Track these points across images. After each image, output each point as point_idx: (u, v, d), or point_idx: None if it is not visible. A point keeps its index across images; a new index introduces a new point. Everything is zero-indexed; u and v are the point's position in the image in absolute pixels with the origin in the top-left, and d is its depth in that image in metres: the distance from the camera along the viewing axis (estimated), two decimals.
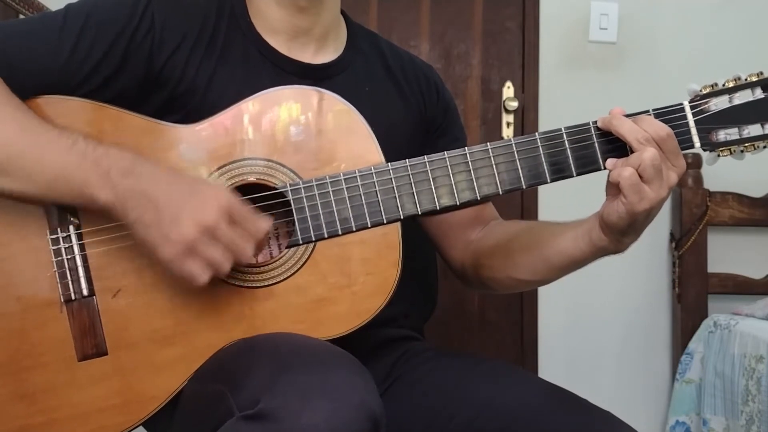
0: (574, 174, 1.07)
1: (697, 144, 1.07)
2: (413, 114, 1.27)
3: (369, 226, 1.05)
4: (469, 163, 1.07)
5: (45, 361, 1.02)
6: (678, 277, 2.44)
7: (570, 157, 1.07)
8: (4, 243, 1.02)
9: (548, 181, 1.07)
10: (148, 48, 1.09)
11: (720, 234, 2.48)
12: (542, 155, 1.07)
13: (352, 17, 1.29)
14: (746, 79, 1.07)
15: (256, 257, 1.01)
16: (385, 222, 1.05)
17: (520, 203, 2.41)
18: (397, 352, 1.21)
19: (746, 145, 1.06)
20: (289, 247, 1.05)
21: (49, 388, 1.01)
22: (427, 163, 1.06)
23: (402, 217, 1.06)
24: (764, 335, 2.05)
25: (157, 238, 0.95)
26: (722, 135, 1.07)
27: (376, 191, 1.05)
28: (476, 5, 2.43)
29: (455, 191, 1.07)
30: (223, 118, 1.07)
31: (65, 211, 1.03)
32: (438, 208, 1.07)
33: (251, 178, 1.05)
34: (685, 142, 1.06)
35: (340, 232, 1.05)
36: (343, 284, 1.05)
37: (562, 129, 1.07)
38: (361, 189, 1.05)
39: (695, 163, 2.40)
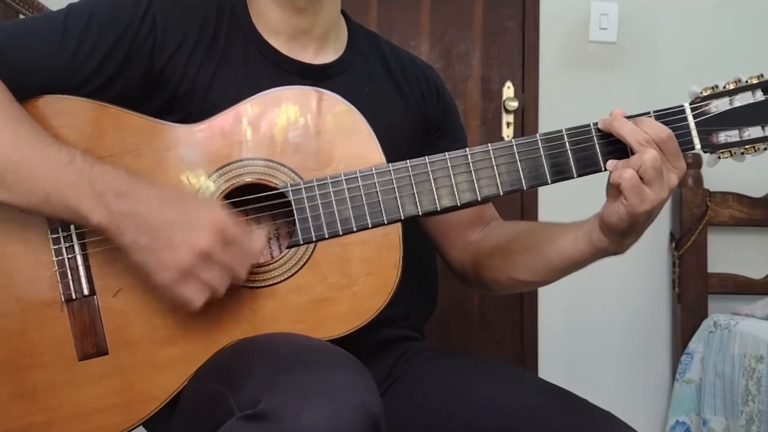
0: (575, 175, 1.07)
1: (698, 146, 1.07)
2: (413, 114, 1.27)
3: (370, 226, 1.05)
4: (470, 164, 1.07)
5: (45, 361, 1.02)
6: (678, 277, 2.44)
7: (571, 159, 1.07)
8: (4, 242, 1.02)
9: (549, 182, 1.07)
10: (149, 49, 1.09)
11: (720, 234, 2.48)
12: (543, 156, 1.07)
13: (352, 17, 1.29)
14: (747, 82, 1.07)
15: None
16: (385, 222, 1.05)
17: (520, 204, 2.41)
18: (397, 352, 1.22)
19: (747, 147, 1.07)
20: (289, 247, 1.05)
21: (49, 387, 1.02)
22: (428, 164, 1.06)
23: (403, 218, 1.06)
24: (764, 335, 2.05)
25: (152, 263, 0.96)
26: (723, 137, 1.07)
27: (377, 191, 1.05)
28: (476, 5, 2.43)
29: (456, 192, 1.07)
30: (224, 118, 1.07)
31: None
32: (439, 208, 1.07)
33: (251, 179, 1.05)
34: (686, 143, 1.06)
35: (340, 233, 1.05)
36: (344, 284, 1.05)
37: (563, 130, 1.07)
38: (362, 189, 1.05)
39: (695, 163, 2.40)
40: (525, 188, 1.08)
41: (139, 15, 1.08)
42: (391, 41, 1.34)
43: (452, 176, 1.07)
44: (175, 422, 1.05)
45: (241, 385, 0.90)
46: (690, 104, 1.07)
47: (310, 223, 1.05)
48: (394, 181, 1.06)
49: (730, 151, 1.07)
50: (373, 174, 1.05)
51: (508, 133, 2.42)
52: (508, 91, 2.43)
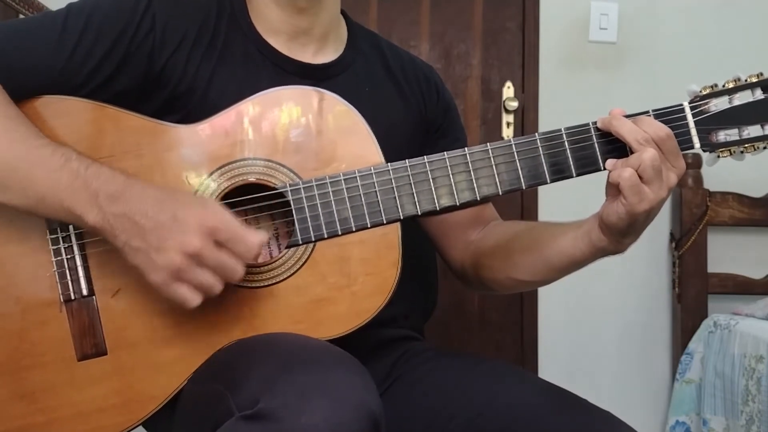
0: (574, 174, 1.07)
1: (697, 145, 1.07)
2: (413, 114, 1.27)
3: (368, 226, 1.05)
4: (469, 163, 1.07)
5: (44, 361, 1.02)
6: (678, 277, 2.44)
7: (570, 158, 1.07)
8: (3, 243, 1.03)
9: (548, 181, 1.07)
10: (149, 48, 1.09)
11: (720, 234, 2.48)
12: (542, 156, 1.07)
13: (352, 17, 1.29)
14: (746, 80, 1.07)
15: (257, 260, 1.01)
16: (384, 222, 1.05)
17: (520, 203, 2.41)
18: (397, 352, 1.22)
19: (746, 146, 1.06)
20: (288, 247, 1.05)
21: (48, 387, 1.02)
22: (426, 164, 1.06)
23: (402, 218, 1.06)
24: (764, 335, 2.05)
25: (145, 264, 0.96)
26: (722, 136, 1.07)
27: (375, 191, 1.05)
28: (476, 5, 2.43)
29: (455, 191, 1.07)
30: (223, 118, 1.07)
31: None
32: (438, 208, 1.07)
33: (251, 179, 1.05)
34: (685, 142, 1.06)
35: (339, 233, 1.05)
36: (343, 284, 1.05)
37: (562, 129, 1.07)
38: (360, 189, 1.05)
39: (695, 163, 2.40)
40: (524, 187, 1.07)
41: (139, 14, 1.08)
42: (391, 41, 1.34)
43: (451, 176, 1.07)
44: (175, 422, 1.05)
45: (241, 385, 0.90)
46: (689, 103, 1.07)
47: (309, 223, 1.05)
48: (393, 181, 1.06)
49: (729, 150, 1.07)
50: (372, 174, 1.05)
51: (508, 133, 2.42)
52: (508, 91, 2.43)
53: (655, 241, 2.48)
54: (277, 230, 1.10)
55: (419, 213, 1.06)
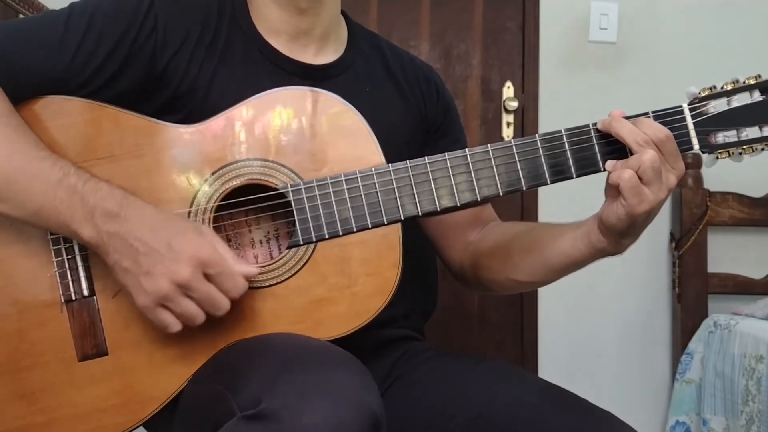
0: (574, 175, 1.07)
1: (696, 146, 1.07)
2: (413, 114, 1.27)
3: (369, 226, 1.05)
4: (470, 164, 1.07)
5: (45, 361, 1.02)
6: (678, 277, 2.44)
7: (570, 159, 1.07)
8: (4, 243, 1.03)
9: (548, 182, 1.07)
10: (151, 48, 1.09)
11: (720, 234, 2.48)
12: (542, 157, 1.07)
13: (352, 17, 1.29)
14: (744, 82, 1.07)
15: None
16: (385, 223, 1.05)
17: (520, 204, 2.41)
18: (397, 352, 1.22)
19: (744, 147, 1.07)
20: (289, 247, 1.05)
21: (48, 387, 1.02)
22: (427, 164, 1.06)
23: (402, 218, 1.06)
24: (764, 335, 2.05)
25: (132, 285, 0.97)
26: (721, 137, 1.07)
27: (376, 192, 1.05)
28: (476, 5, 2.43)
29: (456, 192, 1.07)
30: (224, 118, 1.07)
31: None
32: (438, 209, 1.07)
33: (252, 179, 1.05)
34: (684, 144, 1.06)
35: (340, 233, 1.05)
36: (344, 285, 1.05)
37: (562, 131, 1.07)
38: (361, 190, 1.05)
39: (695, 163, 2.40)
40: (524, 188, 1.08)
41: (141, 14, 1.09)
42: (391, 41, 1.34)
43: (452, 176, 1.07)
44: (176, 423, 1.05)
45: (242, 385, 0.90)
46: (688, 105, 1.07)
47: (310, 224, 1.05)
48: (393, 182, 1.06)
49: (728, 152, 1.07)
50: (372, 174, 1.06)
51: (508, 133, 2.42)
52: (508, 91, 2.43)
53: (655, 241, 2.48)
54: (277, 230, 1.10)
55: (420, 213, 1.06)
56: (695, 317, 2.40)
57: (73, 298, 1.02)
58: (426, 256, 1.35)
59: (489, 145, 1.07)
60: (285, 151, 1.06)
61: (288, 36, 1.17)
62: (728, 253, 2.49)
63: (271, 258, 1.07)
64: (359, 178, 1.05)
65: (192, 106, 1.10)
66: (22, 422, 1.01)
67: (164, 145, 1.06)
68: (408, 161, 1.06)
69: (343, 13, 1.26)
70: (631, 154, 1.03)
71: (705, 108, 1.07)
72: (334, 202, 1.05)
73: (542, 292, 2.41)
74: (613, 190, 1.03)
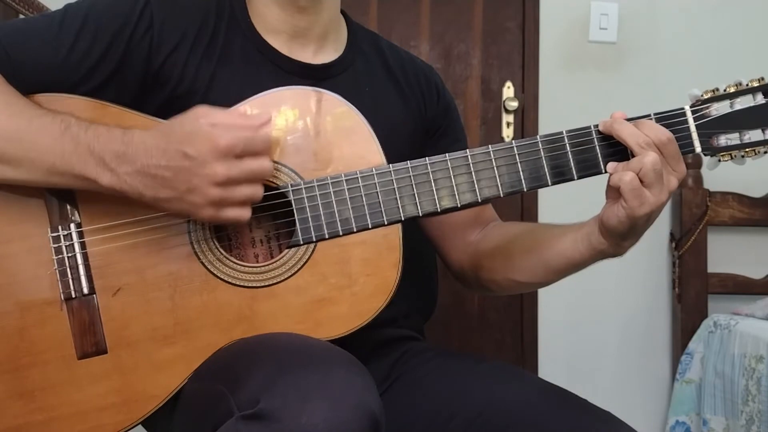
0: (575, 177, 1.07)
1: (698, 149, 1.07)
2: (413, 114, 1.27)
3: (370, 227, 1.05)
4: (470, 165, 1.07)
5: (44, 359, 1.02)
6: (678, 277, 2.44)
7: (571, 161, 1.07)
8: (4, 241, 1.03)
9: (549, 183, 1.07)
10: (146, 47, 1.09)
11: (720, 234, 2.48)
12: (543, 158, 1.07)
13: (352, 17, 1.29)
14: (747, 85, 1.07)
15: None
16: (386, 223, 1.05)
17: (520, 205, 2.41)
18: (397, 352, 1.22)
19: (747, 150, 1.07)
20: (289, 247, 1.05)
21: (48, 386, 1.02)
22: (428, 165, 1.06)
23: (403, 219, 1.06)
24: (764, 335, 2.05)
25: (186, 208, 0.97)
26: (723, 140, 1.07)
27: (377, 192, 1.05)
28: (476, 5, 2.43)
29: (456, 193, 1.07)
30: None
31: (66, 209, 1.03)
32: (439, 209, 1.07)
33: None
34: (686, 146, 1.06)
35: (340, 233, 1.05)
36: (344, 285, 1.05)
37: (564, 132, 1.07)
38: (362, 190, 1.05)
39: (695, 163, 2.40)
40: (525, 189, 1.08)
41: (136, 13, 1.09)
42: (391, 41, 1.34)
43: (452, 177, 1.07)
44: (175, 422, 1.05)
45: (241, 384, 0.90)
46: (690, 107, 1.07)
47: (311, 224, 1.05)
48: (394, 182, 1.06)
49: (730, 154, 1.07)
50: (373, 174, 1.05)
51: (508, 133, 2.42)
52: (508, 91, 2.43)
53: (655, 241, 2.48)
54: (278, 230, 1.10)
55: (420, 214, 1.06)
56: (695, 317, 2.40)
57: (73, 296, 1.02)
58: (426, 257, 1.35)
59: (490, 145, 1.07)
60: (286, 150, 1.06)
61: (287, 35, 1.17)
62: (728, 253, 2.49)
63: (271, 257, 1.07)
64: (360, 179, 1.05)
65: (192, 107, 1.09)
66: (21, 420, 1.01)
67: None
68: (409, 162, 1.06)
69: (342, 12, 1.26)
70: (633, 156, 1.03)
71: (707, 110, 1.07)
72: (334, 202, 1.05)
73: (542, 292, 2.42)
74: (614, 192, 1.03)
